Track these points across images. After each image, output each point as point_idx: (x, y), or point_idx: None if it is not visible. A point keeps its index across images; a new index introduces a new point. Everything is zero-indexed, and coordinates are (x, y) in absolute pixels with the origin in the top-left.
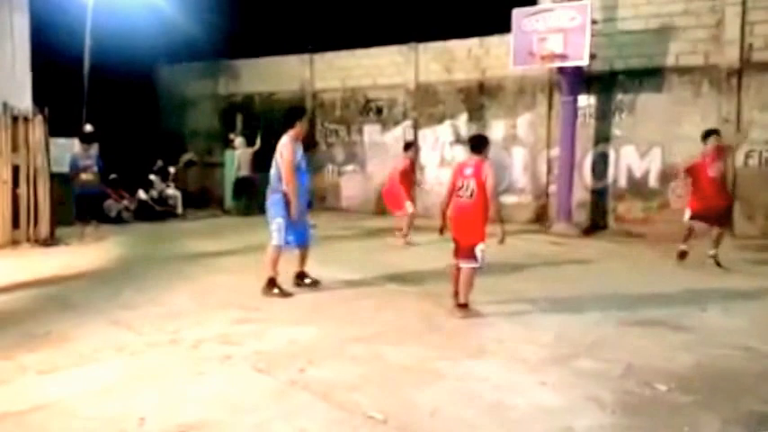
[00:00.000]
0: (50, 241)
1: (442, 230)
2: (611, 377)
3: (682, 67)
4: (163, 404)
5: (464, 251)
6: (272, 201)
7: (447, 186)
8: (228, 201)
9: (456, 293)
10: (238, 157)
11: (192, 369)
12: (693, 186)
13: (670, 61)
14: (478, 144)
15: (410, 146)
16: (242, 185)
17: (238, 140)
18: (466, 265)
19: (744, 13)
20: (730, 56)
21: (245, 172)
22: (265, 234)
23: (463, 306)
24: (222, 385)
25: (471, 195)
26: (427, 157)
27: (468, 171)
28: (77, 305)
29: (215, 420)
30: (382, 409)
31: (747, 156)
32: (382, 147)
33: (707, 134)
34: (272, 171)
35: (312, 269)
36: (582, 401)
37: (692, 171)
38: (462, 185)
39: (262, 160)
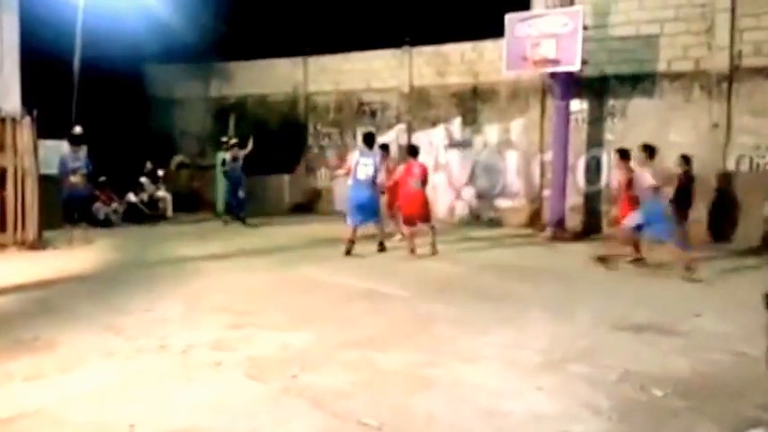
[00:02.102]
0: (38, 245)
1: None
2: (606, 382)
3: (672, 73)
4: (153, 411)
5: (424, 217)
6: (376, 197)
7: (397, 177)
8: (220, 204)
9: (414, 250)
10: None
11: (183, 375)
12: None
13: (661, 67)
14: (416, 151)
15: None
16: None
17: (233, 143)
18: (430, 225)
19: (733, 19)
20: (720, 62)
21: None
22: (256, 237)
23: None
24: (213, 392)
25: (420, 185)
26: (421, 160)
27: (416, 170)
28: (65, 310)
29: (205, 427)
30: (376, 415)
31: (738, 161)
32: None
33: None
34: (371, 173)
35: (307, 271)
36: (578, 407)
37: None
38: (414, 179)
39: (256, 163)
